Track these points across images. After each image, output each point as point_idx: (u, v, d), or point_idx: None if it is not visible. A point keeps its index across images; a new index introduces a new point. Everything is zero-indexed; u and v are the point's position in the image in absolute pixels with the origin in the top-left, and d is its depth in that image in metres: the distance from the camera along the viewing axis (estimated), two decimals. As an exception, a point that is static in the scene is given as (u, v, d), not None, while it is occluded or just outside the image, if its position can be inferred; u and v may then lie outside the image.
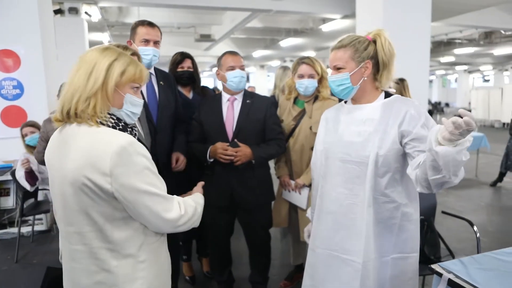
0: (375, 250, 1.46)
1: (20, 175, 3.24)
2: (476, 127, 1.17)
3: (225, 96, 2.25)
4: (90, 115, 1.08)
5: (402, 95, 4.00)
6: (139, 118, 1.82)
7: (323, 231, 1.58)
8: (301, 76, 2.31)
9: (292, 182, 2.41)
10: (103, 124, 1.10)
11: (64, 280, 1.21)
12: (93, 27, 8.61)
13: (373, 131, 1.45)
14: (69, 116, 1.10)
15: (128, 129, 1.17)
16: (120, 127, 1.14)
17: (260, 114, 2.23)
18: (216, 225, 2.31)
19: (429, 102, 19.75)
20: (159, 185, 1.13)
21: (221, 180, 2.19)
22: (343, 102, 1.64)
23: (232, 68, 2.17)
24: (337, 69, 1.49)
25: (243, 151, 2.12)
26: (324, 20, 8.98)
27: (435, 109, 18.42)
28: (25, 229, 3.73)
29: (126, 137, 1.08)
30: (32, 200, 3.56)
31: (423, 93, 5.46)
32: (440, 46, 12.60)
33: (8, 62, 3.84)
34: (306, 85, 2.30)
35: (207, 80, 26.16)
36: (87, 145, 1.06)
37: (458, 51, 13.73)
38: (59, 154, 1.12)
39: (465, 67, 21.62)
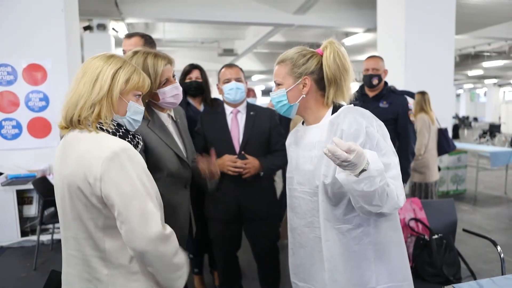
0: (353, 283, 1.28)
1: None
2: (350, 154, 1.00)
3: (228, 109, 2.23)
4: (91, 121, 1.09)
5: (422, 108, 3.93)
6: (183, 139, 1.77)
7: (300, 266, 1.45)
8: None
9: None
10: (103, 130, 1.11)
11: (62, 284, 1.21)
12: (119, 43, 8.88)
13: (320, 156, 1.27)
14: (72, 123, 1.12)
15: (129, 136, 1.17)
16: (121, 133, 1.15)
17: (265, 125, 2.21)
18: (223, 239, 2.28)
19: (456, 117, 19.18)
20: (145, 195, 1.08)
21: (228, 193, 2.17)
22: (300, 123, 1.48)
23: (228, 81, 2.15)
24: (277, 85, 1.39)
25: (252, 163, 2.09)
26: (347, 34, 8.95)
27: (462, 124, 17.83)
28: (45, 237, 3.81)
29: (120, 143, 1.09)
30: (52, 209, 3.64)
31: (448, 107, 5.32)
32: (467, 59, 12.28)
33: (36, 76, 3.99)
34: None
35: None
36: (84, 150, 1.07)
37: (486, 64, 13.36)
38: (61, 161, 1.14)
39: (494, 80, 20.98)
